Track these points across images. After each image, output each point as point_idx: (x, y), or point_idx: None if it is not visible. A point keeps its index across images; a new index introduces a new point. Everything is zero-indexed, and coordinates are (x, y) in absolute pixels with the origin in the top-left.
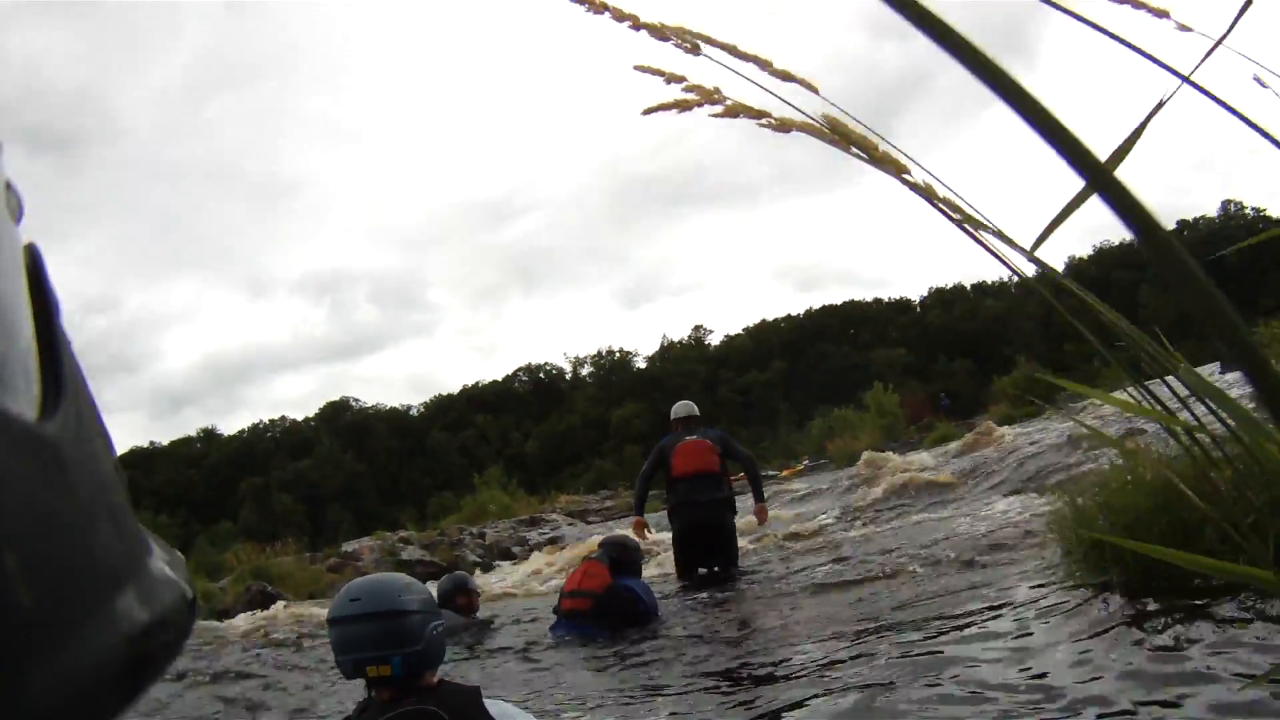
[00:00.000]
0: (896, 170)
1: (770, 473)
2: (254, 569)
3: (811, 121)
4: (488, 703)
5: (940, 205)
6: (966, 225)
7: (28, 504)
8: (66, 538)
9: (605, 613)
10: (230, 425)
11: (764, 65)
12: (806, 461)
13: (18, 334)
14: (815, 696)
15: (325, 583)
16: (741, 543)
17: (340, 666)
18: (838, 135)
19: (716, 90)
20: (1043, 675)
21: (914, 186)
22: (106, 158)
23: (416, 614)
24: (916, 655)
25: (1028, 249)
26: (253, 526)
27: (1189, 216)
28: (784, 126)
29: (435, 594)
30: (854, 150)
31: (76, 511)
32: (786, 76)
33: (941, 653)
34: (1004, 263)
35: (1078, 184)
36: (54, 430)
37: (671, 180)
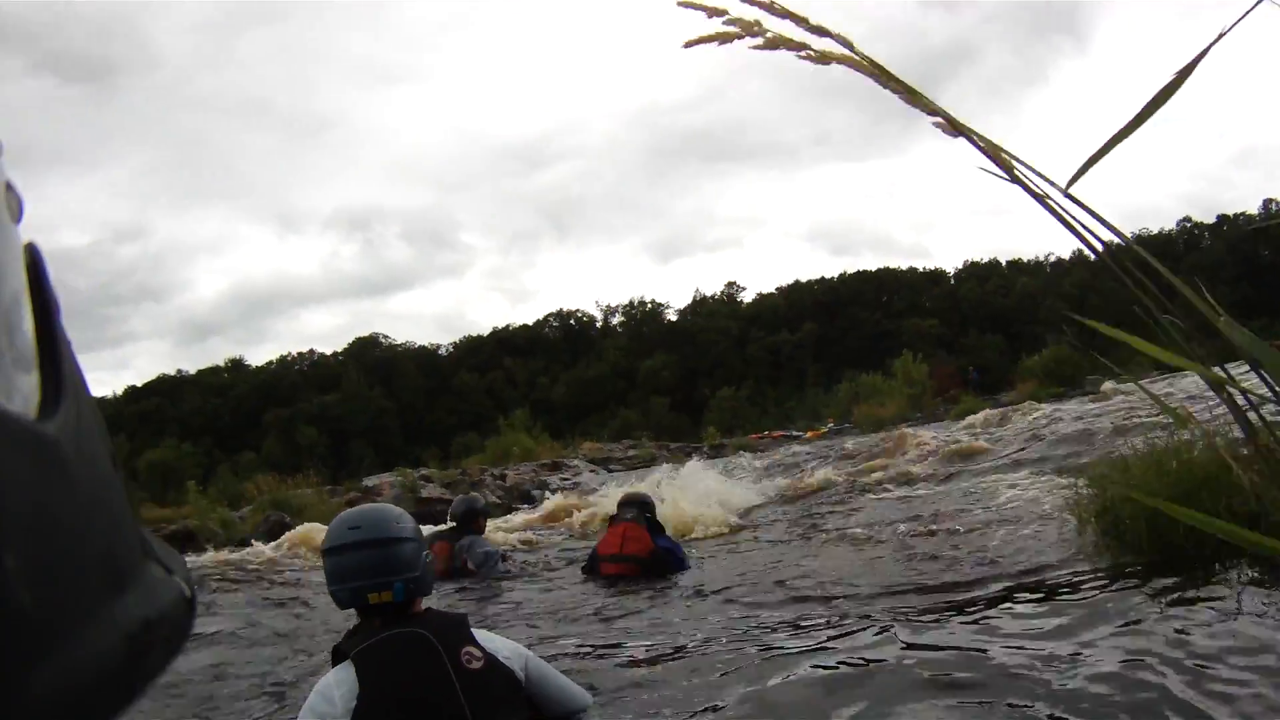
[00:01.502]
0: (929, 110)
1: (795, 433)
2: (273, 499)
3: (851, 55)
4: (474, 631)
5: (978, 143)
6: (1002, 165)
7: (28, 504)
8: (66, 538)
9: (651, 576)
10: (256, 357)
11: (799, 21)
12: (831, 424)
13: (18, 334)
14: (824, 652)
15: None
16: (757, 498)
17: (336, 596)
18: (877, 70)
19: (757, 23)
20: (1052, 657)
21: (950, 125)
22: (138, 86)
23: (412, 541)
24: (924, 626)
25: (1063, 186)
26: (276, 458)
27: (1230, 211)
28: (824, 59)
29: (448, 516)
30: (892, 87)
31: (76, 511)
32: (821, 31)
33: (950, 623)
34: (1042, 202)
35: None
36: (54, 430)
37: (709, 135)
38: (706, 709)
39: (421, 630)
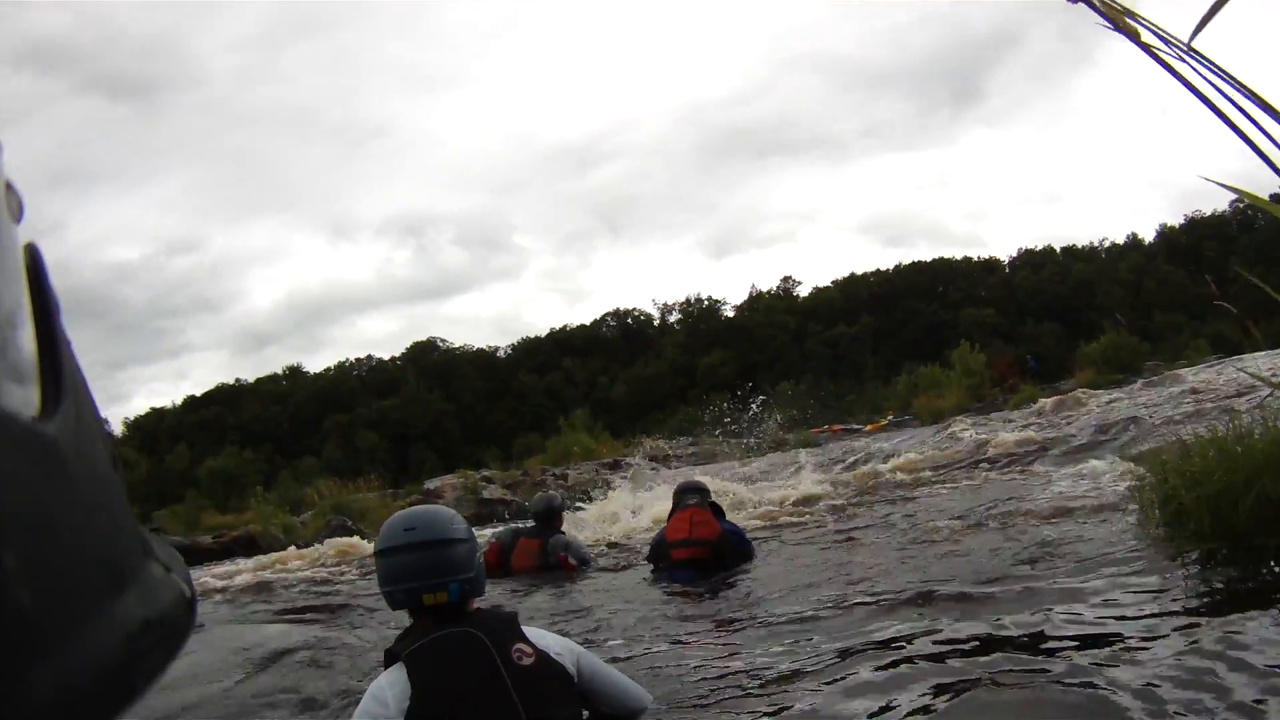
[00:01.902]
0: None
1: (855, 426)
2: (335, 504)
3: None
4: (524, 629)
5: (1097, 5)
6: (1125, 30)
7: (27, 504)
8: (66, 538)
9: (721, 559)
10: (314, 364)
11: None
12: (891, 417)
13: (17, 334)
14: (886, 652)
15: None
16: (818, 489)
17: (390, 597)
18: None
19: None
20: (1117, 651)
21: None
22: (184, 103)
23: (465, 542)
24: (988, 624)
25: (1184, 41)
26: (337, 463)
27: None
28: None
29: (532, 510)
30: None
31: (76, 512)
32: None
33: (1011, 618)
34: (1165, 66)
35: None
36: (54, 430)
37: (758, 131)
38: (770, 712)
39: (472, 629)
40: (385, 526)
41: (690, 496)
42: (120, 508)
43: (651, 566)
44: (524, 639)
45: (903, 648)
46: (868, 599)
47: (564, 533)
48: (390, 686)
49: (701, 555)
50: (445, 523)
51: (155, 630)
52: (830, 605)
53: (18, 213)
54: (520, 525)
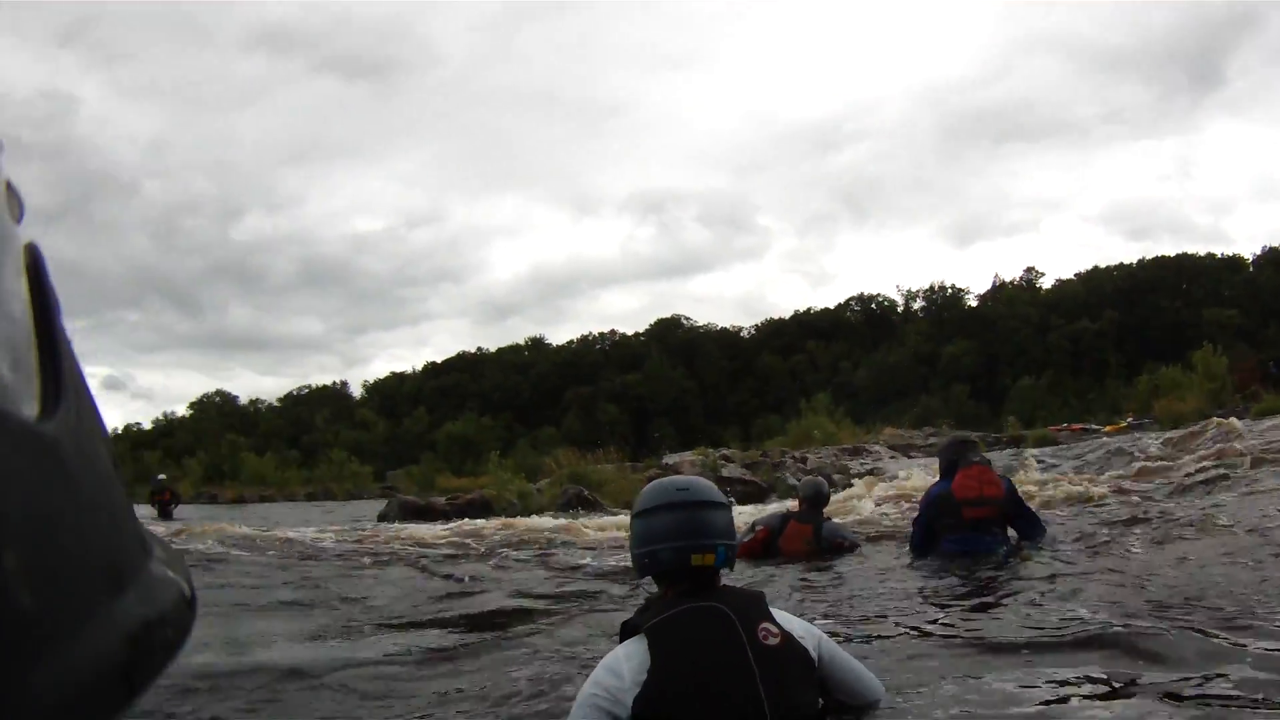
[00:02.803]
0: None
1: (1094, 427)
2: (572, 473)
3: None
4: (772, 610)
5: None
6: None
7: (28, 504)
8: (66, 538)
9: (1010, 518)
10: (557, 336)
11: None
12: (1130, 419)
13: (17, 334)
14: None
15: None
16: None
17: (651, 556)
18: None
19: None
20: None
21: None
22: (421, 83)
23: (728, 510)
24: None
25: None
26: (576, 434)
27: None
28: None
29: (801, 494)
30: None
31: (76, 511)
32: None
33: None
34: None
35: None
36: (54, 430)
37: (999, 115)
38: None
39: (718, 604)
40: (651, 488)
41: (972, 453)
42: (121, 507)
43: (908, 544)
44: (770, 618)
45: (1117, 677)
46: (1115, 616)
47: (830, 518)
48: (628, 659)
49: (991, 514)
50: (713, 488)
51: (155, 630)
52: (1094, 620)
53: (18, 213)
54: (787, 509)
